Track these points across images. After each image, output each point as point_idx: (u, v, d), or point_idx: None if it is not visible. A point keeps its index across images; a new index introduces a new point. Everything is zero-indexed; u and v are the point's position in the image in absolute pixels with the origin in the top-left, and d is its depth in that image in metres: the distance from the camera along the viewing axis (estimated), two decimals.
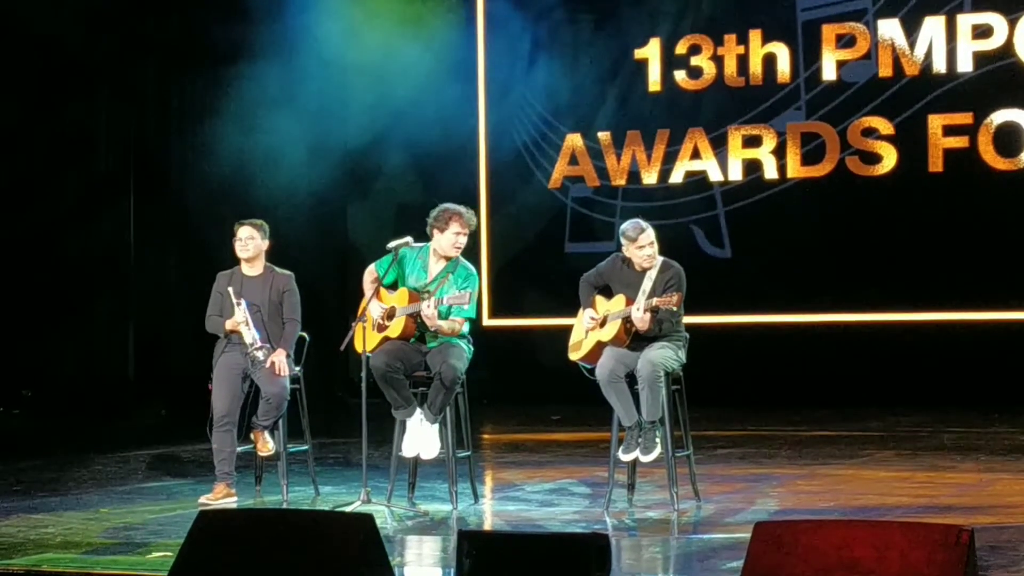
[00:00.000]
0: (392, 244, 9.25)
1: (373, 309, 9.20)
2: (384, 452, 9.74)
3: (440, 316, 9.08)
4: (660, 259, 8.98)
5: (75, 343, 15.09)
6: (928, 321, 14.88)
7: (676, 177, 15.85)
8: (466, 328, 9.24)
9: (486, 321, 16.26)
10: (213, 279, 9.77)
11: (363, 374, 9.08)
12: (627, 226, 8.99)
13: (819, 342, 15.16)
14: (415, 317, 9.07)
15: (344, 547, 6.37)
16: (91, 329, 15.27)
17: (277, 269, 9.70)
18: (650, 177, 15.97)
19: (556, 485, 10.14)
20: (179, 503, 9.43)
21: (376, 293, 9.22)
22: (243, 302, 9.47)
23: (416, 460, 9.31)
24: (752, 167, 15.62)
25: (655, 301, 8.69)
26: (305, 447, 9.84)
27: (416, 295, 9.15)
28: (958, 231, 14.85)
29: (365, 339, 9.14)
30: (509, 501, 9.60)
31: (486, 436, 13.51)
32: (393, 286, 9.34)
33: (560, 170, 16.34)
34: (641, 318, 8.70)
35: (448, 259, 9.25)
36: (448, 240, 9.19)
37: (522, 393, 15.76)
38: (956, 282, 14.78)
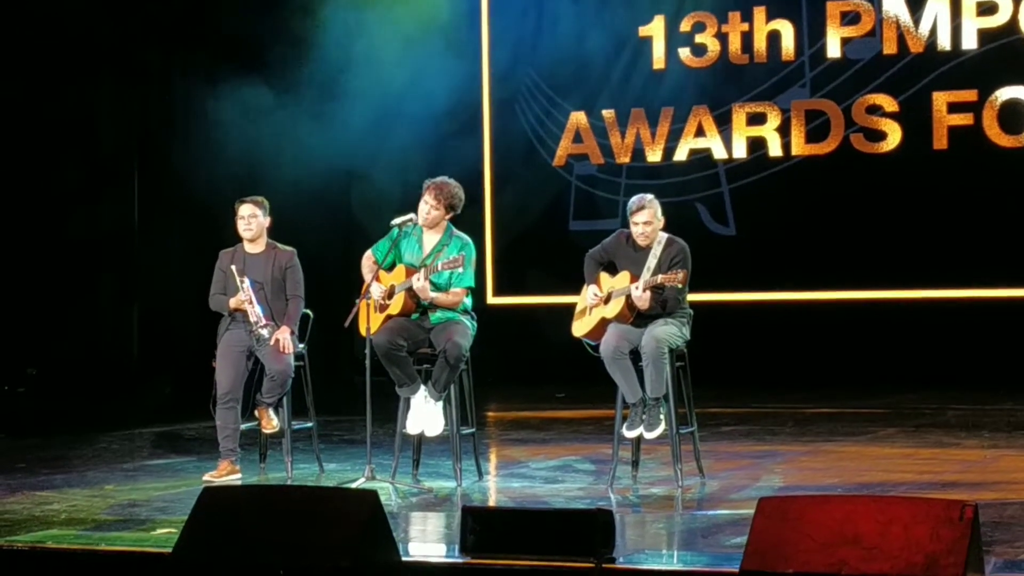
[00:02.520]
0: (396, 220, 9.25)
1: (374, 291, 9.20)
2: (388, 430, 9.75)
3: (438, 288, 9.09)
4: (665, 235, 8.97)
5: (80, 322, 15.10)
6: (933, 298, 14.87)
7: (680, 155, 15.84)
8: (468, 301, 9.24)
9: (490, 299, 16.27)
10: (216, 258, 9.77)
11: (367, 351, 9.08)
12: (631, 200, 8.99)
13: (823, 319, 15.15)
14: (412, 292, 9.08)
15: (349, 523, 6.38)
16: (96, 308, 15.29)
17: (279, 246, 9.70)
18: (654, 155, 15.95)
19: (560, 462, 10.15)
20: (183, 480, 9.44)
21: (375, 276, 9.22)
22: (247, 280, 9.47)
23: (420, 437, 9.32)
24: (756, 145, 15.60)
25: (660, 278, 8.69)
26: (309, 424, 9.84)
27: (412, 270, 9.16)
28: (963, 208, 14.82)
29: (369, 318, 9.15)
30: (513, 478, 9.60)
31: (490, 414, 13.52)
32: (393, 268, 9.34)
33: (564, 148, 16.33)
34: (640, 296, 8.69)
35: (440, 232, 9.25)
36: (422, 210, 9.22)
37: (526, 371, 15.76)
38: (960, 259, 14.76)
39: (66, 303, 14.93)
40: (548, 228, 16.28)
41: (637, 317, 8.83)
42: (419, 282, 9.02)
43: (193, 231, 14.47)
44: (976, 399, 13.06)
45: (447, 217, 9.26)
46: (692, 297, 9.10)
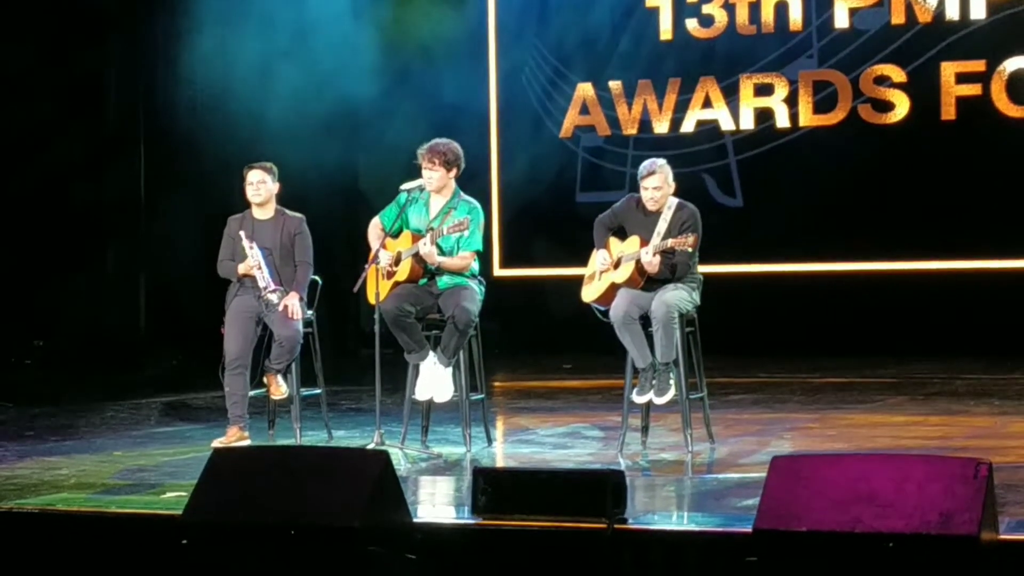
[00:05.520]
0: (405, 186, 9.23)
1: (381, 258, 9.17)
2: (397, 399, 9.74)
3: (444, 252, 9.06)
4: (675, 200, 8.94)
5: (86, 294, 15.06)
6: (940, 269, 14.82)
7: (687, 126, 15.78)
8: (476, 266, 9.20)
9: (497, 271, 16.23)
10: (224, 228, 9.74)
11: (375, 317, 9.06)
12: (642, 165, 8.96)
13: (831, 290, 15.11)
14: (419, 257, 9.06)
15: (359, 483, 6.36)
16: (102, 279, 15.25)
17: (288, 212, 9.67)
18: (661, 126, 15.90)
19: (569, 429, 10.14)
20: (192, 447, 9.43)
21: (383, 244, 9.18)
22: (255, 245, 9.45)
23: (429, 404, 9.30)
24: (764, 116, 15.55)
25: (670, 242, 8.66)
26: (318, 391, 9.83)
27: (419, 236, 9.13)
28: (971, 179, 14.78)
29: (377, 285, 9.12)
30: (523, 444, 9.60)
31: (497, 384, 13.49)
32: (400, 234, 9.31)
33: (571, 119, 16.28)
34: (650, 261, 8.67)
35: (447, 196, 9.22)
36: (425, 178, 9.19)
37: (533, 343, 15.73)
38: (969, 230, 14.71)
39: (72, 274, 14.89)
40: (555, 200, 16.23)
41: (647, 282, 8.80)
42: (425, 247, 9.00)
43: (200, 201, 14.43)
44: (984, 368, 13.01)
45: (451, 175, 9.20)
46: (700, 268, 9.07)
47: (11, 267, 14.66)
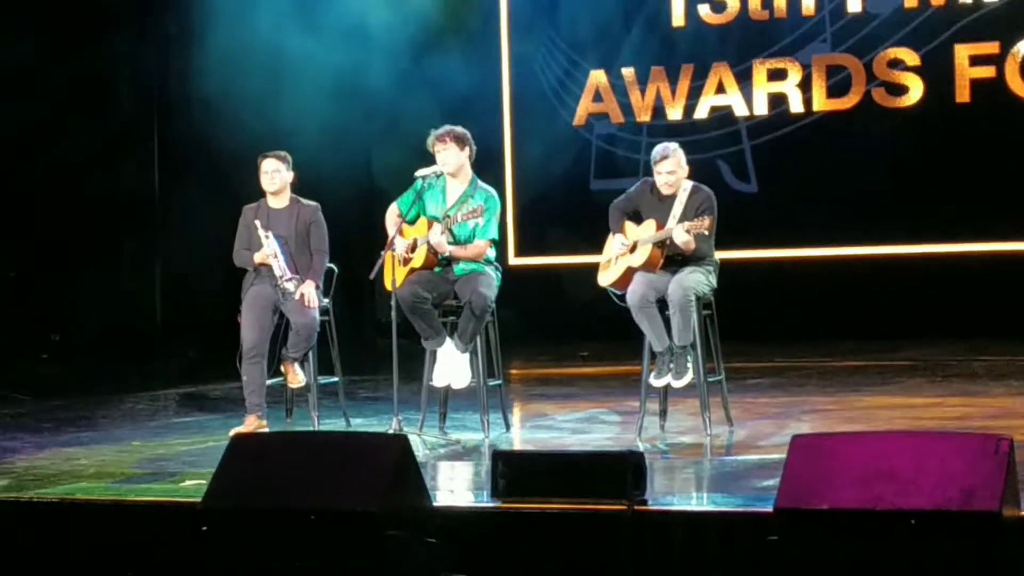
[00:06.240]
0: (420, 172, 9.22)
1: (398, 245, 9.16)
2: (414, 386, 9.74)
3: (459, 241, 9.05)
4: (690, 183, 8.94)
5: (102, 287, 15.07)
6: (955, 253, 14.79)
7: (701, 112, 15.75)
8: (492, 253, 9.20)
9: (511, 260, 16.21)
10: (239, 217, 9.74)
11: (392, 303, 9.05)
12: (655, 149, 8.95)
13: (846, 274, 15.08)
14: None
15: (379, 468, 6.36)
16: (118, 272, 15.26)
17: (303, 200, 9.67)
18: (675, 113, 15.87)
19: (587, 414, 10.14)
20: (211, 436, 9.44)
21: (399, 230, 9.17)
22: (271, 234, 9.45)
23: (447, 390, 9.29)
24: (777, 101, 15.51)
25: (687, 225, 8.65)
26: (335, 379, 9.83)
27: (435, 223, 9.12)
28: (986, 161, 14.73)
29: (394, 272, 9.12)
30: (540, 429, 9.59)
31: (514, 372, 13.48)
32: (417, 221, 9.30)
33: (584, 107, 16.26)
34: (686, 241, 8.64)
35: (464, 183, 9.20)
36: (441, 161, 9.18)
37: (549, 331, 15.69)
38: (984, 213, 14.66)
39: (88, 267, 14.90)
40: (569, 188, 16.21)
41: (664, 265, 8.79)
42: (435, 236, 8.99)
43: (214, 192, 14.42)
44: (1002, 350, 12.97)
45: (464, 153, 9.18)
46: (716, 254, 9.05)
47: (27, 262, 14.67)
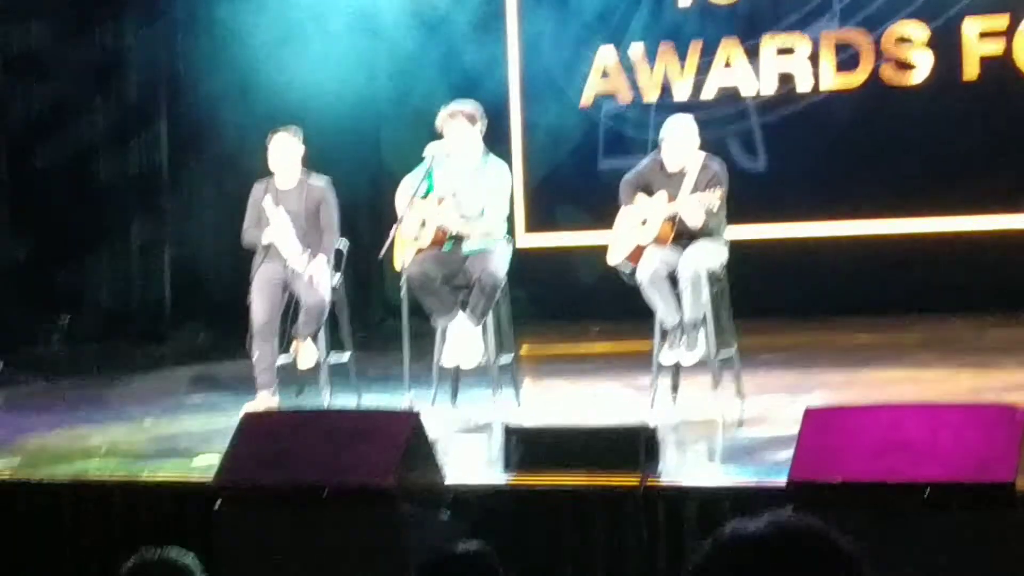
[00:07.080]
0: (430, 149, 9.20)
1: (406, 223, 9.14)
2: (425, 365, 9.72)
3: (469, 217, 9.03)
4: (702, 154, 8.92)
5: (111, 268, 15.07)
6: (967, 230, 14.74)
7: (709, 90, 15.68)
8: (503, 227, 9.17)
9: (522, 240, 16.17)
10: (247, 200, 9.73)
11: (402, 282, 9.03)
12: (666, 122, 8.94)
13: (856, 251, 15.03)
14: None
15: (391, 444, 6.36)
16: (127, 254, 15.25)
17: (313, 176, 9.65)
18: (683, 91, 15.81)
19: (598, 391, 10.11)
20: (222, 414, 9.42)
21: (409, 208, 9.15)
22: (280, 211, 9.43)
23: (458, 369, 9.28)
24: (785, 78, 15.45)
25: (698, 197, 8.63)
26: (345, 358, 9.80)
27: (444, 200, 9.10)
28: (997, 137, 14.67)
29: (403, 251, 9.11)
30: (552, 405, 9.57)
31: (524, 352, 13.44)
32: (427, 198, 9.28)
33: (592, 86, 16.20)
34: (696, 214, 8.62)
35: (475, 157, 9.18)
36: (462, 140, 9.16)
37: (559, 311, 15.66)
38: (993, 188, 14.62)
39: (97, 249, 14.90)
40: (577, 167, 16.17)
41: (674, 239, 8.77)
42: (445, 214, 8.97)
43: (223, 173, 14.42)
44: (1014, 324, 12.92)
45: (476, 128, 9.16)
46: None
47: (36, 243, 14.67)
